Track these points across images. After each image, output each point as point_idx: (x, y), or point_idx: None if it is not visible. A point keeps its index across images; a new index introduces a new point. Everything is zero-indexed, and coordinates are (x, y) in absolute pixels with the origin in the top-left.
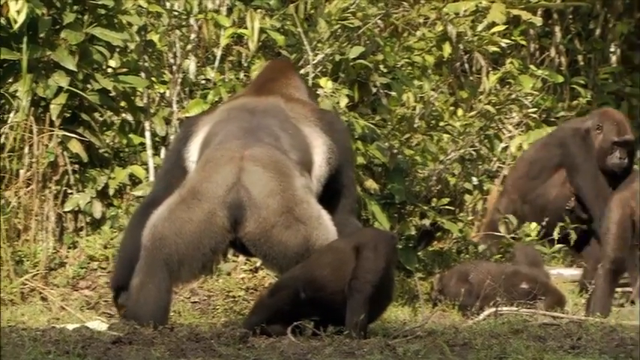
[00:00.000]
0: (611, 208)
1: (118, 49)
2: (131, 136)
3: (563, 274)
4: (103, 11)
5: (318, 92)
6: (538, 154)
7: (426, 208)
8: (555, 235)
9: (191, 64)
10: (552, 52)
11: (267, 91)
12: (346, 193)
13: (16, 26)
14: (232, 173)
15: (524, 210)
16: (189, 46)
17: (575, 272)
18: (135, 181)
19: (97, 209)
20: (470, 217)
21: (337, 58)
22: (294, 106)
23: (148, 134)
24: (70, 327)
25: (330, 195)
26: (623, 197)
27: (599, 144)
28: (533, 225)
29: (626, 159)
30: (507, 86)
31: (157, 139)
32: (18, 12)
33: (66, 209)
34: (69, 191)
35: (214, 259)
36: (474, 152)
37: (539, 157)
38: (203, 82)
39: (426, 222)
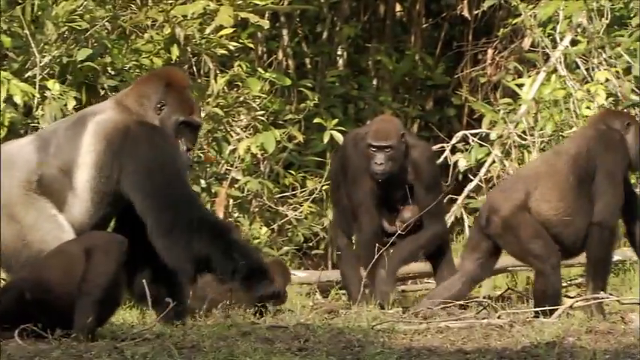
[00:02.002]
0: None
1: None
2: None
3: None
4: None
5: (45, 94)
6: (333, 161)
7: None
8: None
9: None
10: (280, 55)
11: (116, 96)
12: (146, 212)
13: None
14: None
15: (339, 219)
16: None
17: (303, 274)
18: None
19: None
20: None
21: (65, 60)
22: (111, 112)
23: None
24: None
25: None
26: None
27: None
28: (264, 230)
29: (383, 164)
30: (235, 89)
31: None
32: None
33: None
34: None
35: None
36: (202, 155)
37: (333, 163)
38: None
39: None
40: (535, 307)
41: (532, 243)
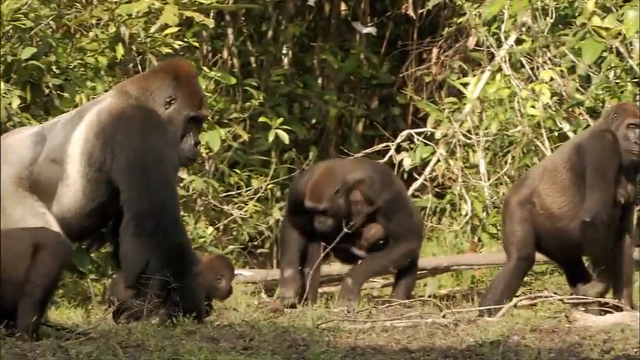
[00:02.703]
0: None
1: None
2: None
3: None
4: None
5: None
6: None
7: None
8: None
9: None
10: (225, 54)
11: (118, 85)
12: (125, 205)
13: None
14: None
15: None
16: None
17: (248, 273)
18: None
19: None
20: None
21: (9, 59)
22: (110, 101)
23: None
24: None
25: None
26: None
27: None
28: (209, 229)
29: (322, 222)
30: None
31: None
32: None
33: None
34: None
35: None
36: None
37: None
38: None
39: None
40: (482, 300)
41: (518, 226)
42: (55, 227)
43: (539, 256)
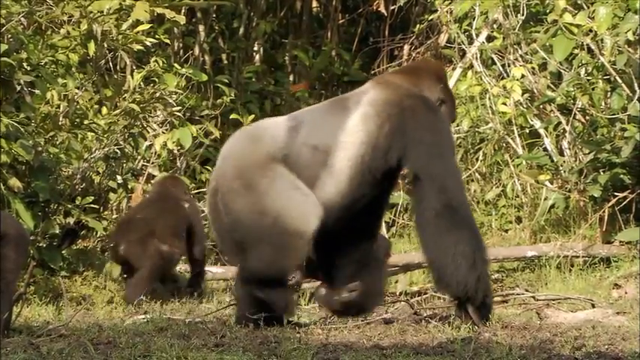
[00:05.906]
0: None
1: None
2: None
3: (212, 271)
4: None
5: None
6: None
7: (70, 206)
8: None
9: None
10: (196, 51)
11: (375, 79)
12: (434, 191)
13: None
14: None
15: None
16: None
17: (220, 270)
18: None
19: None
20: (114, 216)
21: None
22: (375, 91)
23: None
24: None
25: None
26: None
27: None
28: None
29: None
30: (152, 84)
31: None
32: None
33: None
34: None
35: None
36: (118, 150)
37: None
38: None
39: (71, 220)
40: None
41: None
42: (313, 199)
43: (510, 253)
